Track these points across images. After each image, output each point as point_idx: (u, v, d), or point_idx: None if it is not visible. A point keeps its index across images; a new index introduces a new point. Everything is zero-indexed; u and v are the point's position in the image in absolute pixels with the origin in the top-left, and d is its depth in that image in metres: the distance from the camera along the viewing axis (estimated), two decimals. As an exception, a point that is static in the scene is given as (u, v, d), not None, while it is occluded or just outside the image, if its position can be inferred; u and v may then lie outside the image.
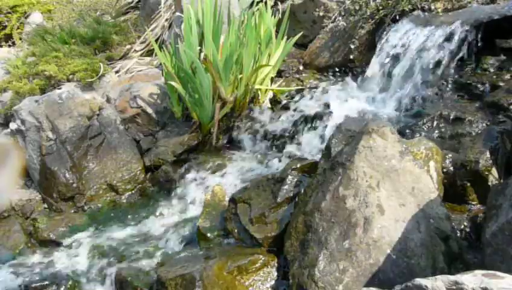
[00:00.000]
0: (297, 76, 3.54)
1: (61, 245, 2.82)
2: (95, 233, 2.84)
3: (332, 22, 3.56)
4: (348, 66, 3.42)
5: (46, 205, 3.18)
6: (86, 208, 3.13)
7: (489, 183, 2.03)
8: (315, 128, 2.99)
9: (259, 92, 3.35)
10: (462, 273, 1.18)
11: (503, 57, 2.64)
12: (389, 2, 3.22)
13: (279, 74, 3.59)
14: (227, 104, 3.24)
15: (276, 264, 1.93)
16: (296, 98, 3.29)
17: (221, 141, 3.32)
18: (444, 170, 2.09)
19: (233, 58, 3.12)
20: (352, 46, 3.35)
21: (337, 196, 1.75)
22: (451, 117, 2.42)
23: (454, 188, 2.09)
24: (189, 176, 3.06)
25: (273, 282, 1.88)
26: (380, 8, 3.25)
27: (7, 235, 2.99)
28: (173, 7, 4.21)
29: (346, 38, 3.43)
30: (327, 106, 3.07)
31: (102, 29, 4.52)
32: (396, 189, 1.73)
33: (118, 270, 2.33)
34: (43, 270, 2.61)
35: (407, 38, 2.94)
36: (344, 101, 3.08)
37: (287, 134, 3.09)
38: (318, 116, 3.02)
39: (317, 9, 3.61)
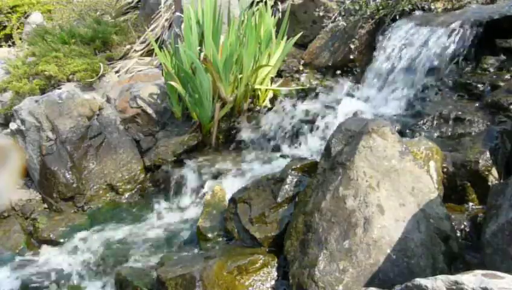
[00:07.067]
0: (297, 76, 3.54)
1: (61, 245, 2.82)
2: (95, 233, 2.84)
3: (332, 22, 3.56)
4: (348, 66, 3.42)
5: (46, 205, 3.18)
6: (86, 208, 3.13)
7: (489, 183, 2.03)
8: (315, 128, 2.99)
9: (259, 92, 3.35)
10: (462, 273, 1.18)
11: (503, 57, 2.64)
12: (389, 2, 3.22)
13: (279, 73, 3.59)
14: (227, 104, 3.24)
15: (276, 264, 1.92)
16: (296, 98, 3.29)
17: (221, 141, 3.32)
18: (444, 170, 2.09)
19: (233, 58, 3.12)
20: (352, 46, 3.34)
21: (337, 196, 1.75)
22: (451, 117, 2.42)
23: (454, 188, 2.09)
24: (189, 176, 3.06)
25: (273, 282, 1.88)
26: (380, 8, 3.25)
27: (7, 235, 2.99)
28: (173, 7, 4.21)
29: (346, 38, 3.43)
30: (327, 105, 3.07)
31: (102, 29, 4.51)
32: (396, 189, 1.73)
33: (118, 270, 2.32)
34: (43, 270, 2.61)
35: (407, 38, 2.94)
36: (344, 101, 3.09)
37: (286, 134, 3.09)
38: (318, 116, 3.02)
39: (317, 9, 3.61)
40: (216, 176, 2.98)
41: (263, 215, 2.13)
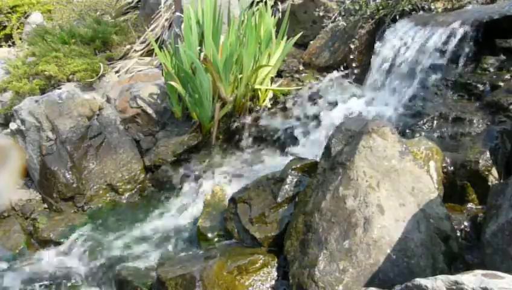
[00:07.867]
0: (297, 76, 3.54)
1: (61, 245, 2.82)
2: (95, 233, 2.84)
3: (332, 22, 3.56)
4: (348, 66, 3.42)
5: (46, 205, 3.18)
6: (86, 208, 3.13)
7: (489, 183, 2.03)
8: (314, 128, 2.99)
9: (259, 92, 3.35)
10: (462, 273, 1.18)
11: (503, 57, 2.64)
12: (389, 2, 3.22)
13: (279, 73, 3.59)
14: (227, 104, 3.24)
15: (276, 264, 1.92)
16: (296, 98, 3.29)
17: (221, 141, 3.32)
18: (444, 170, 2.09)
19: (233, 58, 3.12)
20: (352, 46, 3.34)
21: (337, 195, 1.75)
22: (451, 117, 2.42)
23: (454, 188, 2.09)
24: (189, 176, 3.06)
25: (273, 282, 1.88)
26: (380, 8, 3.25)
27: (7, 235, 2.99)
28: (173, 7, 4.21)
29: (346, 38, 3.43)
30: (327, 106, 3.07)
31: (102, 29, 4.51)
32: (396, 189, 1.73)
33: (118, 270, 2.33)
34: (43, 270, 2.61)
35: (407, 38, 2.94)
36: (344, 101, 3.09)
37: (286, 134, 3.09)
38: (317, 117, 3.02)
39: (317, 9, 3.61)
40: (216, 176, 2.98)
41: (263, 215, 2.13)
